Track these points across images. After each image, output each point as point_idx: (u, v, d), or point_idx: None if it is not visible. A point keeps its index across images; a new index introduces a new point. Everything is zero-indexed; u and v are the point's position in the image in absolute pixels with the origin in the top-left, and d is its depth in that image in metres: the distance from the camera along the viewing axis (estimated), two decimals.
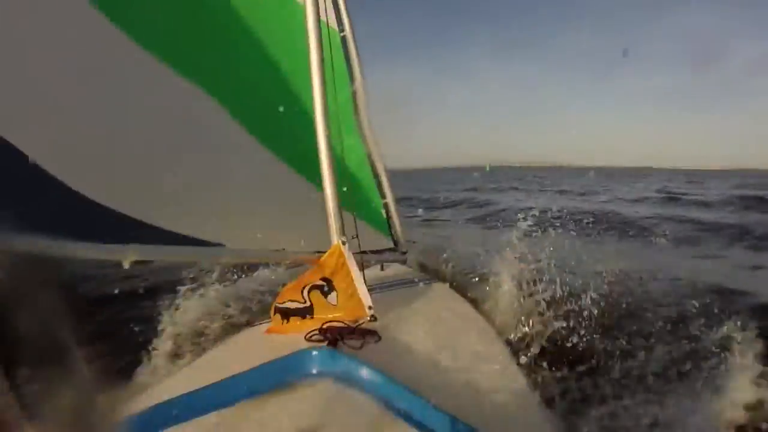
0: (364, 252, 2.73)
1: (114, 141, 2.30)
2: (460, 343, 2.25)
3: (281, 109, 2.98)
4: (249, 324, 2.79)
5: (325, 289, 2.46)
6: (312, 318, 2.46)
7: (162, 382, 2.13)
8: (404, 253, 3.81)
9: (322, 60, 2.54)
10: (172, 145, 2.55)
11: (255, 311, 3.82)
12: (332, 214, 2.54)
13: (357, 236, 2.67)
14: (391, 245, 3.77)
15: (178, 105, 2.62)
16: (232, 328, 3.50)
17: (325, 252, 2.47)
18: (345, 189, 2.73)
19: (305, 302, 2.49)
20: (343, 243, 2.44)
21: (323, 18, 2.61)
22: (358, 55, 3.60)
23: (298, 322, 2.49)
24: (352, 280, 2.40)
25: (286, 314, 2.52)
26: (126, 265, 1.87)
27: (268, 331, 2.51)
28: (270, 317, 2.58)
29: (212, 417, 1.64)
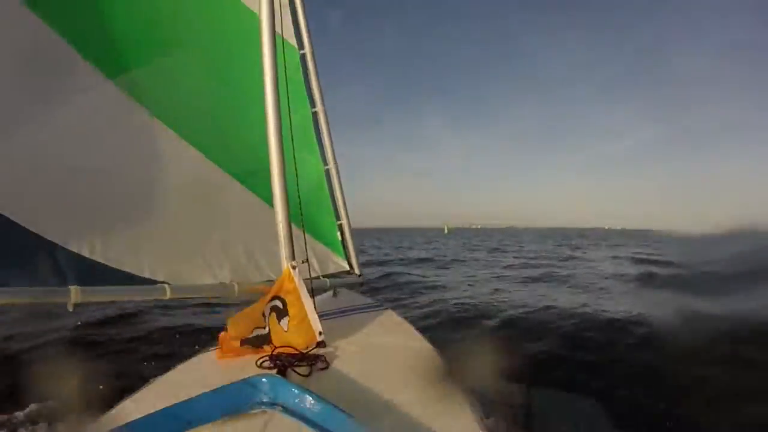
0: (316, 277, 2.70)
1: (49, 166, 2.20)
2: (407, 373, 2.25)
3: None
4: (202, 348, 2.72)
5: (281, 309, 2.43)
6: (269, 345, 2.43)
7: (114, 407, 2.05)
8: (360, 275, 3.77)
9: (275, 72, 2.48)
10: (109, 165, 2.43)
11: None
12: (283, 238, 2.49)
13: (308, 261, 2.62)
14: (346, 268, 3.72)
15: (116, 122, 2.51)
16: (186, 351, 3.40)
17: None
18: (299, 211, 2.68)
19: (265, 327, 2.46)
20: (293, 267, 2.41)
21: (279, 31, 2.56)
22: (317, 75, 3.58)
23: (249, 348, 2.46)
24: (302, 306, 2.37)
25: (255, 344, 2.48)
26: (70, 308, 1.82)
27: (220, 356, 2.48)
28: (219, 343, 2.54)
29: None
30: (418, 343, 2.65)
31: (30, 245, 1.98)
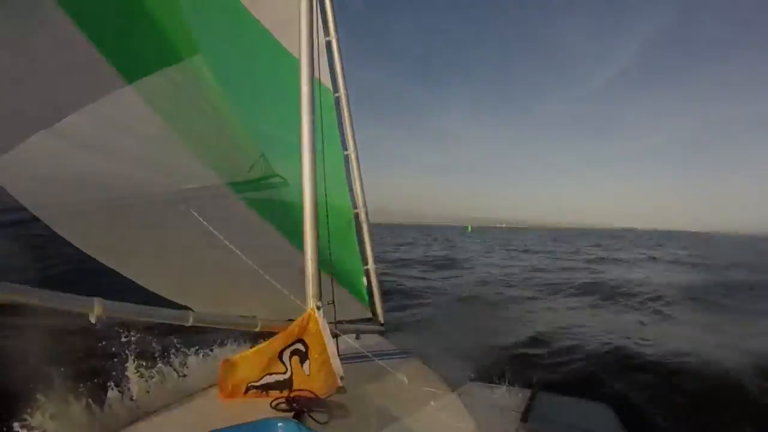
0: (340, 321, 2.62)
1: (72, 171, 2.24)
2: (430, 425, 2.14)
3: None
4: (203, 385, 2.64)
5: (303, 353, 2.35)
6: (290, 390, 2.33)
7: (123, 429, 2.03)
8: (382, 324, 3.69)
9: (312, 116, 2.49)
10: (145, 195, 2.46)
11: None
12: (310, 278, 2.44)
13: (334, 303, 2.56)
14: (369, 315, 3.64)
15: (155, 149, 2.55)
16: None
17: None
18: (327, 253, 2.64)
19: (286, 371, 2.36)
20: (318, 308, 2.34)
21: (317, 75, 2.59)
22: (351, 118, 3.59)
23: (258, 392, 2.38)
24: (325, 348, 2.29)
25: (266, 389, 2.38)
26: (93, 320, 1.79)
27: (223, 396, 2.38)
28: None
29: None
30: (443, 395, 2.54)
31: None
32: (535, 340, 6.85)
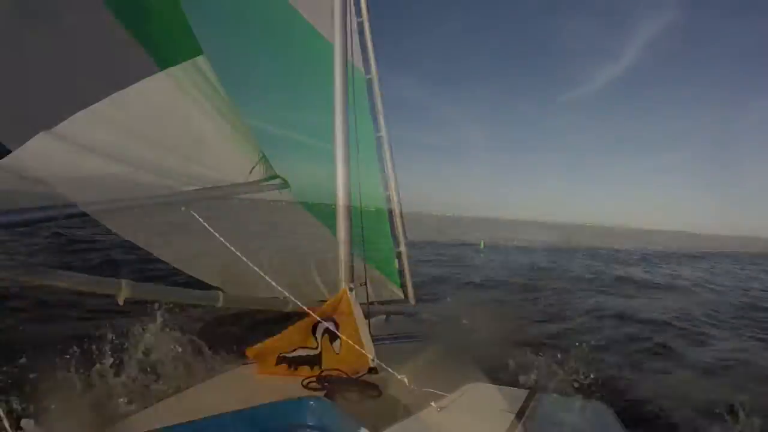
0: (371, 303, 2.63)
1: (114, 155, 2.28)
2: (463, 407, 2.14)
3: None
4: (241, 361, 2.69)
5: (333, 331, 2.37)
6: (319, 367, 2.36)
7: (151, 406, 2.06)
8: (414, 305, 3.70)
9: (346, 98, 2.49)
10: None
11: None
12: (343, 260, 2.46)
13: (366, 284, 2.57)
14: (401, 296, 3.65)
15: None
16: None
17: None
18: (360, 235, 2.65)
19: (317, 348, 2.39)
20: (351, 289, 2.36)
21: (350, 59, 2.58)
22: (383, 101, 3.57)
23: (286, 366, 2.40)
24: (357, 329, 2.31)
25: (295, 363, 2.41)
26: (120, 302, 1.83)
27: (260, 372, 2.42)
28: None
29: None
30: (478, 379, 2.53)
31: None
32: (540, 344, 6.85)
